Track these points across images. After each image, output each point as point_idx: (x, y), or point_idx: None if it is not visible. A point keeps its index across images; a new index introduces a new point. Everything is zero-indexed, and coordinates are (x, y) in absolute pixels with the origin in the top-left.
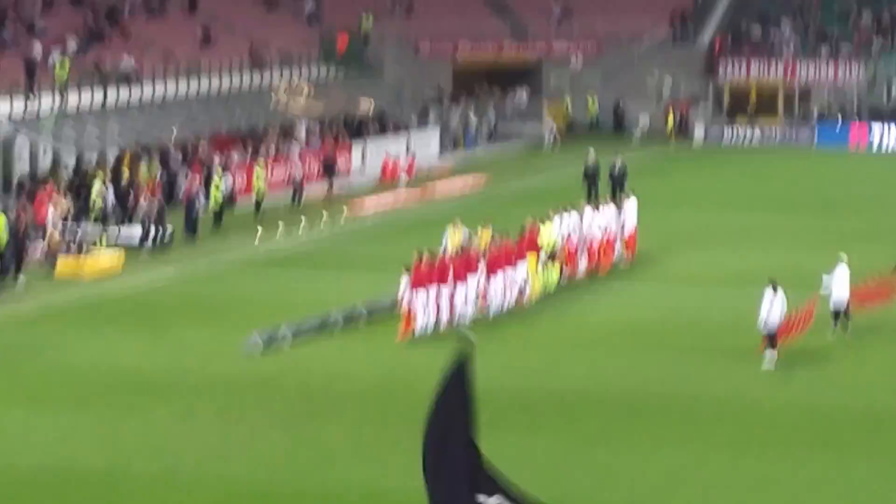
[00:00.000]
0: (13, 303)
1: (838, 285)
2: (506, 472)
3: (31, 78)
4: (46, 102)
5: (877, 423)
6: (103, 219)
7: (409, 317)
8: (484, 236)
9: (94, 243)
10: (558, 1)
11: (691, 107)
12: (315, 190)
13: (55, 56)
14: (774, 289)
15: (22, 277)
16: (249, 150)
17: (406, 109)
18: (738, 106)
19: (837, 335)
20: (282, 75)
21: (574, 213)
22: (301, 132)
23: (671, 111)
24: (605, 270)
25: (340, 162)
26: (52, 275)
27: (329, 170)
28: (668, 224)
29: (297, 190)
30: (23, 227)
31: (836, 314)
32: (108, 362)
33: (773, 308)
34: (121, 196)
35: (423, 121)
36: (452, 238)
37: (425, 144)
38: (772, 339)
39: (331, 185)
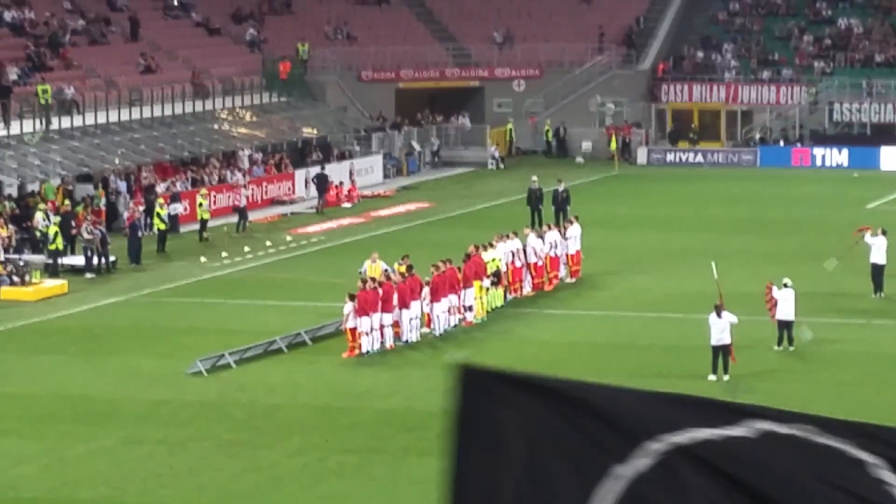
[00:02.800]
0: None
1: (784, 306)
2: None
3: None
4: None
5: None
6: (46, 249)
7: (354, 341)
8: (400, 271)
9: (37, 273)
10: (500, 27)
11: (634, 131)
12: (259, 216)
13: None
14: (718, 314)
15: None
16: (191, 177)
17: (349, 136)
18: (681, 129)
19: (781, 353)
20: (224, 102)
21: (517, 239)
22: (244, 160)
23: (614, 135)
24: (549, 294)
25: (283, 190)
26: None
27: (321, 186)
28: (611, 247)
29: (242, 217)
30: None
31: (782, 333)
32: (53, 389)
33: (720, 330)
34: (63, 225)
35: (365, 147)
36: (370, 272)
37: (368, 171)
38: (724, 361)
39: (322, 201)
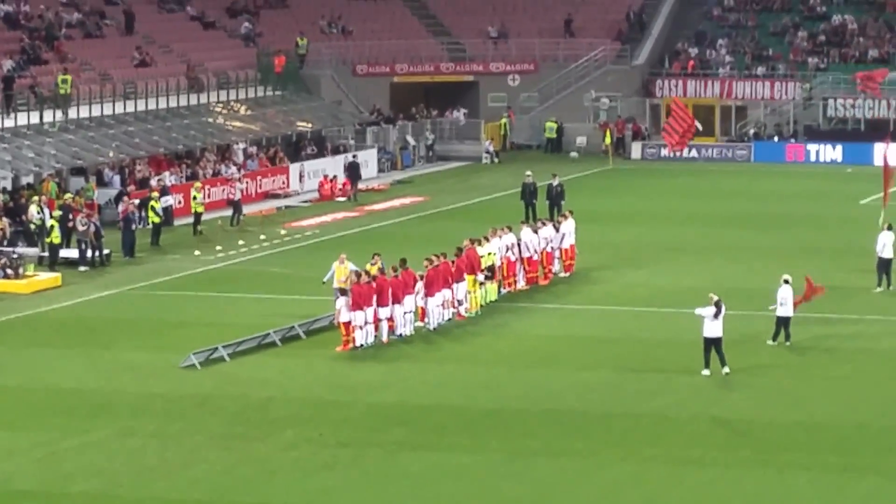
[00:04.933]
0: None
1: (782, 303)
2: (444, 487)
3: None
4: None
5: (813, 437)
6: (41, 241)
7: (348, 335)
8: (371, 272)
9: (31, 265)
10: (495, 22)
11: (628, 126)
12: (253, 210)
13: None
14: (717, 313)
15: None
16: (186, 171)
17: (343, 130)
18: None
19: (776, 348)
20: (219, 96)
21: (511, 233)
22: (238, 153)
23: (608, 131)
24: (543, 288)
25: (277, 183)
26: None
27: (353, 174)
28: (606, 242)
29: (236, 210)
30: None
31: (779, 328)
32: (46, 382)
33: (714, 324)
34: (62, 219)
35: (360, 141)
36: (338, 274)
37: (363, 165)
38: (719, 353)
39: (355, 187)
